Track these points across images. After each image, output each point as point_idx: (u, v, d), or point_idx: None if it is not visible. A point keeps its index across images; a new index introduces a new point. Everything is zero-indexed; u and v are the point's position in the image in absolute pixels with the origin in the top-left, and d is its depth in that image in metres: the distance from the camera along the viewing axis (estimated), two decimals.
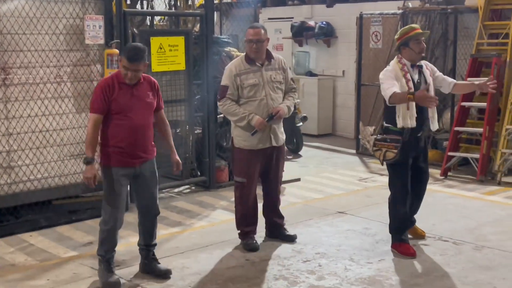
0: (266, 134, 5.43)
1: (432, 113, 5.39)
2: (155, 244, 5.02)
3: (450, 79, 5.61)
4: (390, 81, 5.20)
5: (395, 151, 5.26)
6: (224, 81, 5.43)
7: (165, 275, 4.89)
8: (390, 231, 5.55)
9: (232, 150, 5.64)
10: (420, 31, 5.36)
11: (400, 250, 5.39)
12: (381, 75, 5.32)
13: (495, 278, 4.89)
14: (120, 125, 4.58)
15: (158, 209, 4.95)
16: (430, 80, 5.41)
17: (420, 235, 5.78)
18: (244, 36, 5.59)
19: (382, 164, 5.44)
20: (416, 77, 5.35)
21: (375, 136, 5.39)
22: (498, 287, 4.74)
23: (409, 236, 5.66)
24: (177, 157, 4.99)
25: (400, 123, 5.24)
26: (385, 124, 5.42)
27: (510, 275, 4.95)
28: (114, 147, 4.61)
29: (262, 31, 5.38)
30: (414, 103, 5.15)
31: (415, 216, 5.71)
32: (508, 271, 5.02)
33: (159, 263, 4.99)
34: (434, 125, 5.42)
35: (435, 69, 5.62)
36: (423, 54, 5.39)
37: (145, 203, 4.86)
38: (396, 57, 5.42)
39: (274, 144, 5.50)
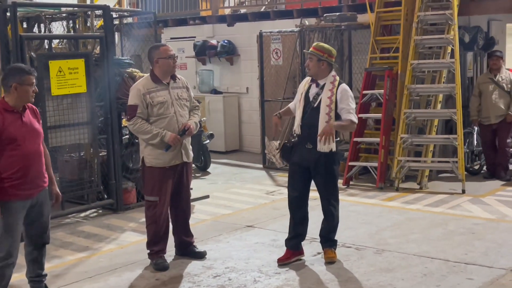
0: (178, 150, 5.52)
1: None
2: (46, 274, 4.89)
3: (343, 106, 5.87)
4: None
5: (278, 151, 5.78)
6: (133, 100, 5.47)
7: None
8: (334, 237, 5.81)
9: (142, 169, 5.66)
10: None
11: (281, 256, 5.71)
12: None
13: (394, 279, 5.18)
14: (14, 155, 4.42)
15: (49, 238, 4.83)
16: (323, 98, 5.63)
17: None
18: (147, 57, 5.66)
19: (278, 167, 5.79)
20: (313, 91, 5.66)
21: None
22: (397, 287, 5.02)
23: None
24: (57, 189, 4.86)
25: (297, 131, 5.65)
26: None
27: (408, 275, 5.26)
28: (10, 180, 4.42)
29: None
30: (299, 116, 5.61)
31: None
32: (406, 272, 5.33)
33: None
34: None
35: None
36: None
37: (37, 232, 4.70)
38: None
39: (185, 159, 5.60)
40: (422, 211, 7.28)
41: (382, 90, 8.68)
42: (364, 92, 8.87)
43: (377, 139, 8.69)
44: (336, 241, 5.77)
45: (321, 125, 5.42)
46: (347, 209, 7.44)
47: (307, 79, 5.70)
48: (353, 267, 5.48)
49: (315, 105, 5.51)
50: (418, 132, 8.80)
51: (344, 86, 5.60)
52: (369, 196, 8.07)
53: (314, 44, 5.77)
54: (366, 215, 7.16)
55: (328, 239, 5.74)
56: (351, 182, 8.77)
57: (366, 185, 8.69)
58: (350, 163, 8.76)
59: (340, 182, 8.69)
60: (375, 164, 8.59)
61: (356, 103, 8.93)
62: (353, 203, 7.74)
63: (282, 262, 5.58)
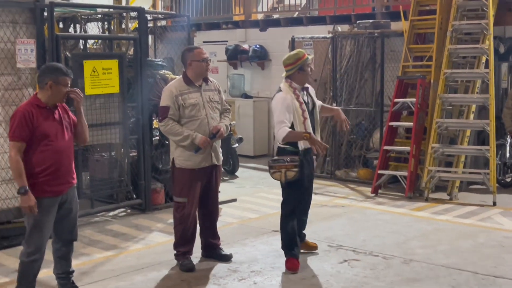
0: (208, 152, 5.55)
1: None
2: (73, 271, 4.95)
3: (319, 102, 5.94)
4: (283, 116, 5.39)
5: (296, 169, 5.43)
6: (165, 102, 5.51)
7: None
8: (282, 247, 5.71)
9: (172, 171, 5.69)
10: (308, 55, 5.66)
11: (288, 265, 5.58)
12: (273, 104, 5.50)
13: None
14: (46, 151, 4.48)
15: (77, 235, 4.89)
16: (316, 100, 5.78)
17: (313, 247, 6.05)
18: (181, 59, 5.71)
19: (284, 183, 5.57)
20: (305, 98, 5.64)
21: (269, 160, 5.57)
22: None
23: (303, 250, 5.90)
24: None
25: (301, 145, 5.50)
26: (281, 145, 5.54)
27: (436, 287, 5.19)
28: (42, 176, 4.48)
29: None
30: (310, 126, 5.51)
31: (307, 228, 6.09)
32: (434, 283, 5.26)
33: None
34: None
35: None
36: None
37: (65, 229, 4.76)
38: (285, 81, 5.60)
39: (215, 162, 5.63)
40: (451, 222, 7.18)
41: (414, 99, 8.60)
42: (396, 100, 8.80)
43: (408, 148, 8.61)
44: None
45: (318, 125, 5.70)
46: (375, 217, 7.39)
47: (289, 95, 5.48)
48: (379, 276, 5.43)
49: (310, 109, 5.64)
50: (449, 142, 8.69)
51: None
52: (397, 205, 7.99)
53: (302, 50, 5.79)
54: (394, 224, 7.09)
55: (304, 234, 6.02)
56: (379, 191, 8.70)
57: (395, 194, 8.61)
58: (380, 171, 8.69)
59: (368, 190, 8.68)
60: (405, 173, 8.51)
61: (387, 111, 9.02)
62: (381, 212, 7.68)
63: (296, 271, 5.53)
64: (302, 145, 5.51)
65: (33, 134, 4.45)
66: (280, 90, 5.58)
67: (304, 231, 6.03)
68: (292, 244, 5.64)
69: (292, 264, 5.56)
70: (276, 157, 5.54)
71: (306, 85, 5.69)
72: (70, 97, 4.65)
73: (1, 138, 6.19)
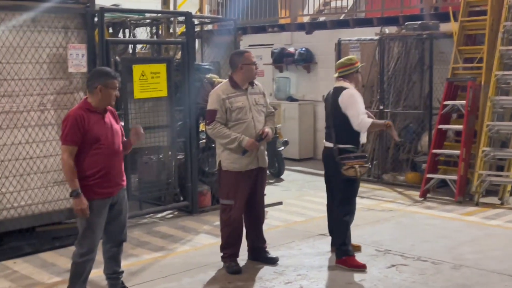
0: (254, 155, 5.58)
1: None
2: (123, 271, 5.02)
3: None
4: (361, 107, 5.56)
5: (367, 165, 5.61)
6: (212, 105, 5.56)
7: None
8: (339, 246, 5.73)
9: (219, 173, 5.74)
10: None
11: (350, 264, 5.61)
12: (345, 100, 5.56)
13: None
14: (97, 154, 4.57)
15: (127, 236, 4.97)
16: None
17: (358, 248, 6.05)
18: (229, 63, 5.75)
19: (359, 179, 5.70)
20: None
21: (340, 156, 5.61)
22: None
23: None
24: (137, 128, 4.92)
25: (362, 140, 5.67)
26: (341, 146, 5.61)
27: None
28: (93, 179, 4.56)
29: None
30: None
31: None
32: None
33: None
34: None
35: None
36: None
37: (116, 230, 4.83)
38: (343, 80, 5.69)
39: (261, 165, 5.65)
40: (503, 228, 7.00)
41: (464, 101, 8.43)
42: (445, 102, 8.65)
43: (457, 152, 8.44)
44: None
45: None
46: (423, 222, 7.28)
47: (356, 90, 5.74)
48: (428, 281, 5.34)
49: None
50: (500, 145, 8.49)
51: None
52: (447, 210, 7.85)
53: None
54: (443, 229, 6.96)
55: None
56: (428, 195, 8.56)
57: (444, 198, 8.46)
58: (428, 175, 8.55)
59: (417, 194, 8.55)
60: (454, 177, 8.35)
61: (436, 114, 8.87)
62: (430, 216, 7.55)
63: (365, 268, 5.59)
64: (363, 140, 5.67)
65: (85, 137, 4.53)
66: (343, 88, 5.64)
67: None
68: (347, 242, 5.73)
69: (354, 261, 5.64)
70: (342, 155, 5.59)
71: None
72: (132, 138, 4.87)
73: (53, 141, 6.35)
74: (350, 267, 5.58)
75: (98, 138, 4.58)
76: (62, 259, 5.98)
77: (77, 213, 4.52)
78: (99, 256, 4.85)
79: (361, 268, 5.57)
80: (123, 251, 5.04)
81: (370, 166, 5.73)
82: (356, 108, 5.51)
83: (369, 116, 5.81)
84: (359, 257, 5.79)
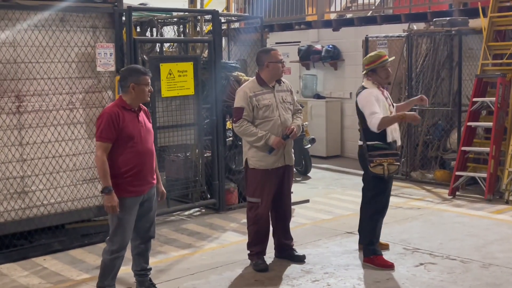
0: (281, 153, 5.58)
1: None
2: (151, 268, 5.06)
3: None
4: (373, 107, 5.50)
5: (397, 163, 5.55)
6: (239, 103, 5.57)
7: None
8: (368, 245, 5.71)
9: (245, 171, 5.75)
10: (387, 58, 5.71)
11: (378, 263, 5.59)
12: (361, 101, 5.56)
13: None
14: (130, 152, 4.61)
15: (155, 233, 5.01)
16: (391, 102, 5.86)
17: (385, 247, 6.03)
18: (256, 61, 5.75)
19: (387, 178, 5.60)
20: (386, 95, 5.77)
21: (369, 153, 5.57)
22: None
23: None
24: (163, 188, 5.01)
25: (390, 138, 5.57)
26: (370, 143, 5.59)
27: None
28: (125, 177, 4.60)
29: None
30: None
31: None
32: None
33: None
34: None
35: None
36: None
37: (144, 227, 4.87)
38: (366, 79, 5.68)
39: (287, 162, 5.65)
40: None
41: (494, 98, 8.30)
42: (474, 99, 8.53)
43: (487, 149, 8.32)
44: None
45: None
46: (452, 220, 7.20)
47: (376, 90, 5.64)
48: (457, 280, 5.28)
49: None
50: None
51: None
52: (476, 208, 7.74)
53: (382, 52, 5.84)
54: (472, 227, 6.87)
55: None
56: (457, 193, 8.45)
57: (473, 196, 8.35)
58: (457, 173, 8.45)
59: (446, 192, 8.46)
60: (484, 175, 8.23)
61: (465, 111, 8.76)
62: (459, 214, 7.46)
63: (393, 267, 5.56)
64: (390, 138, 5.58)
65: (119, 135, 4.58)
66: (363, 88, 5.64)
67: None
68: (375, 241, 5.72)
69: (383, 261, 5.61)
70: (372, 152, 5.57)
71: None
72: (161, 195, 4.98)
73: (82, 140, 6.44)
74: (377, 266, 5.55)
75: (132, 136, 4.62)
76: (91, 256, 6.06)
77: (108, 210, 4.57)
78: (128, 253, 4.90)
79: (389, 267, 5.54)
80: (151, 248, 5.07)
81: (399, 165, 5.59)
82: (369, 108, 5.49)
83: (397, 110, 5.79)
84: (387, 256, 5.76)
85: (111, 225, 4.71)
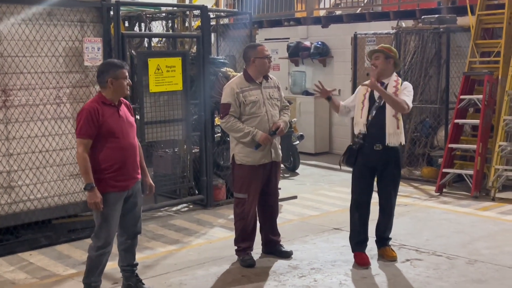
0: (267, 149, 5.58)
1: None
2: (138, 264, 5.04)
3: None
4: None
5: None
6: (226, 99, 5.56)
7: None
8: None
9: (232, 167, 5.75)
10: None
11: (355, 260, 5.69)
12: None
13: None
14: (112, 147, 4.57)
15: (141, 228, 4.99)
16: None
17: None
18: (243, 56, 5.74)
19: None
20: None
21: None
22: None
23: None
24: (151, 181, 4.99)
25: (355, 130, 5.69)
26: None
27: None
28: (108, 172, 4.57)
29: None
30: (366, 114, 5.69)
31: None
32: (499, 285, 5.11)
33: (144, 284, 5.00)
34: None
35: None
36: None
37: (130, 223, 4.85)
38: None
39: (274, 159, 5.65)
40: None
41: (481, 96, 8.36)
42: (462, 97, 8.58)
43: (474, 146, 8.38)
44: (391, 238, 5.85)
45: (389, 123, 5.44)
46: (439, 216, 7.24)
47: (364, 87, 5.61)
48: (443, 276, 5.31)
49: (382, 103, 5.49)
50: None
51: (407, 82, 5.67)
52: (462, 205, 7.79)
53: (380, 45, 5.74)
54: (458, 224, 6.92)
55: (386, 237, 5.79)
56: (444, 190, 8.50)
57: (460, 193, 8.40)
58: (444, 170, 8.49)
59: (432, 189, 8.50)
60: (471, 172, 8.29)
61: (452, 108, 8.80)
62: (446, 211, 7.50)
63: (368, 265, 5.54)
64: (355, 131, 5.63)
65: (99, 131, 4.54)
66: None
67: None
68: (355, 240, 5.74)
69: (360, 259, 5.64)
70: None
71: (387, 80, 5.59)
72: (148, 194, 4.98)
73: (69, 134, 6.40)
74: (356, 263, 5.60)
75: (113, 131, 4.59)
76: (77, 252, 6.04)
77: (91, 206, 4.55)
78: (114, 249, 4.89)
79: (363, 266, 5.55)
80: (138, 244, 5.06)
81: (342, 159, 5.66)
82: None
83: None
84: (373, 251, 5.77)
85: (96, 221, 4.69)
